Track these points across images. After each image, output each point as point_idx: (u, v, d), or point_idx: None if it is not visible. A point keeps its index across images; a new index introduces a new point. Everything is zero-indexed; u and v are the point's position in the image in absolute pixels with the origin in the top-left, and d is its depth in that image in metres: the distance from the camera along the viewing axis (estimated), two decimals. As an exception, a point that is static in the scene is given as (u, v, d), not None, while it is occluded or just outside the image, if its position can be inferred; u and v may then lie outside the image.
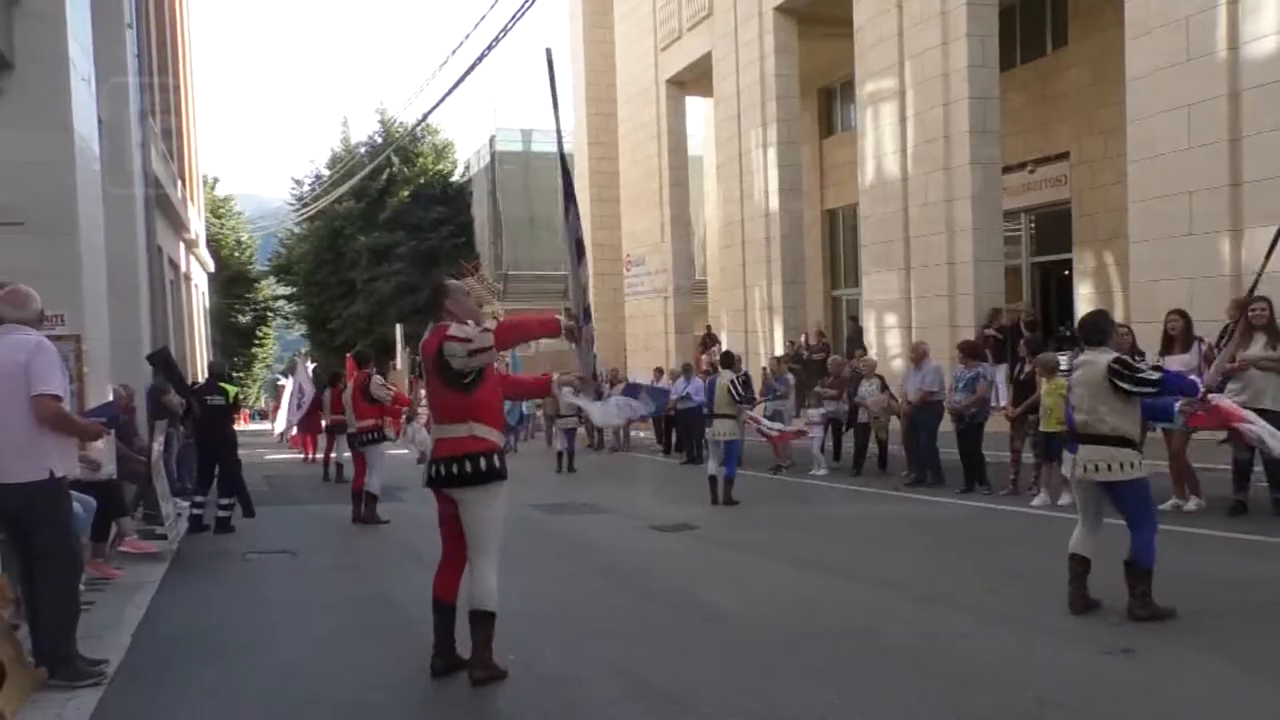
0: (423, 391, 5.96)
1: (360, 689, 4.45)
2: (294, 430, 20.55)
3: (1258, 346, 7.83)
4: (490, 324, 4.53)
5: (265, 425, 33.00)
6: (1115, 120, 14.81)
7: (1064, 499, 9.13)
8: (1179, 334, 8.39)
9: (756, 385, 14.26)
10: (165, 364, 10.38)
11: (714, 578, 6.76)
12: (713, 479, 10.37)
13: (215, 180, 46.41)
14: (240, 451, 10.43)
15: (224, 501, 9.70)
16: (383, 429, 10.55)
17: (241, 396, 14.20)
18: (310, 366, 20.89)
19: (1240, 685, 4.07)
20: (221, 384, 10.31)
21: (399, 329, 37.84)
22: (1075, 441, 5.33)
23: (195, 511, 9.76)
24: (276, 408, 24.88)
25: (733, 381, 10.41)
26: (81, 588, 6.34)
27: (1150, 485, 5.30)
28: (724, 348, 16.36)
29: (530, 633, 5.33)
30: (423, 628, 5.56)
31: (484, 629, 4.32)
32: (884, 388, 12.43)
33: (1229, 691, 4.01)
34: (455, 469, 4.23)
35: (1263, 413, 7.90)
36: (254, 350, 49.88)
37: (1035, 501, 9.25)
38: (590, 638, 5.17)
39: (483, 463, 4.22)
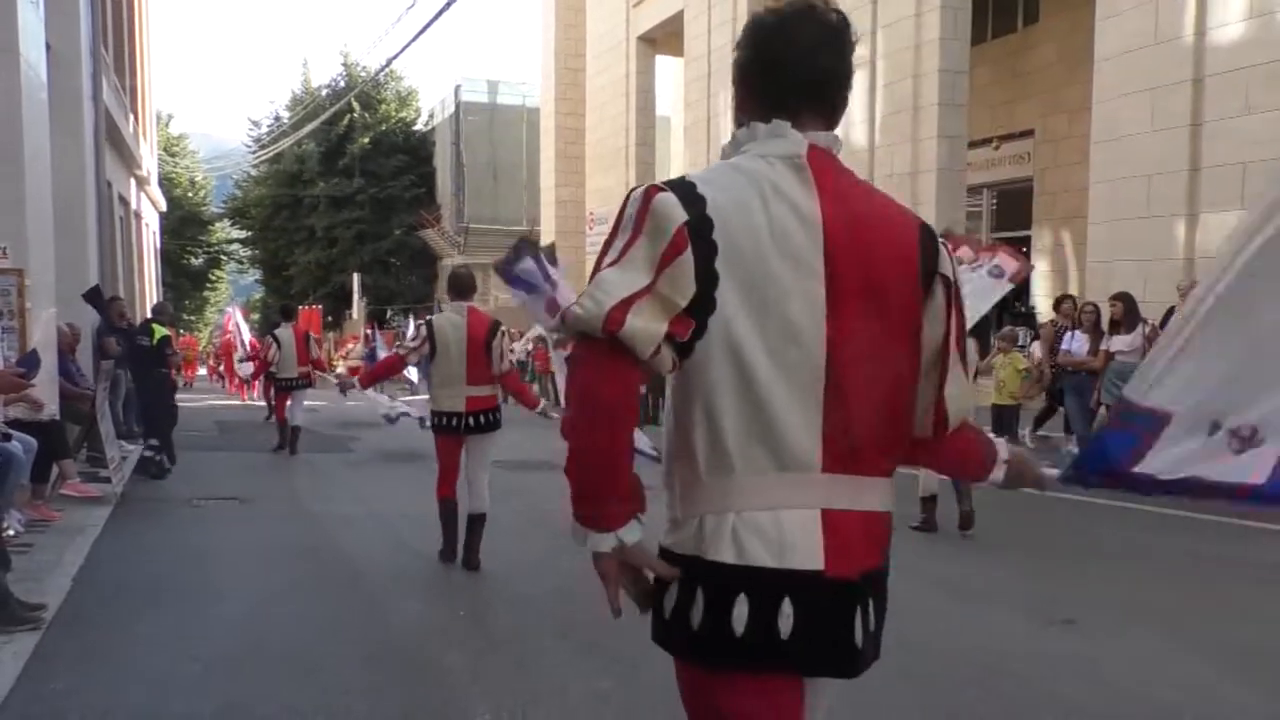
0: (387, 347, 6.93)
1: (306, 641, 4.41)
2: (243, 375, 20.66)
3: None
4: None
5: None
6: (1081, 100, 14.92)
7: (1012, 472, 9.31)
8: (1121, 316, 8.55)
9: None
10: (94, 302, 10.04)
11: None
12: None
13: (169, 117, 45.14)
14: (188, 399, 10.25)
15: (151, 442, 9.50)
16: (310, 376, 11.78)
17: (178, 339, 13.59)
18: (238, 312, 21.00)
19: (1175, 655, 4.18)
20: (153, 325, 9.86)
21: (356, 278, 37.32)
22: None
23: (147, 454, 9.59)
24: (226, 352, 24.71)
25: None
26: (19, 529, 6.23)
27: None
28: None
29: (483, 590, 5.32)
30: (370, 581, 5.53)
31: (480, 527, 5.75)
32: None
33: (1165, 661, 4.12)
34: (484, 419, 5.74)
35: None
36: (206, 294, 48.93)
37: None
38: (544, 597, 5.16)
39: (499, 414, 5.85)
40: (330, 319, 39.68)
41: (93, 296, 10.13)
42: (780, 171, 1.44)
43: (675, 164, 28.83)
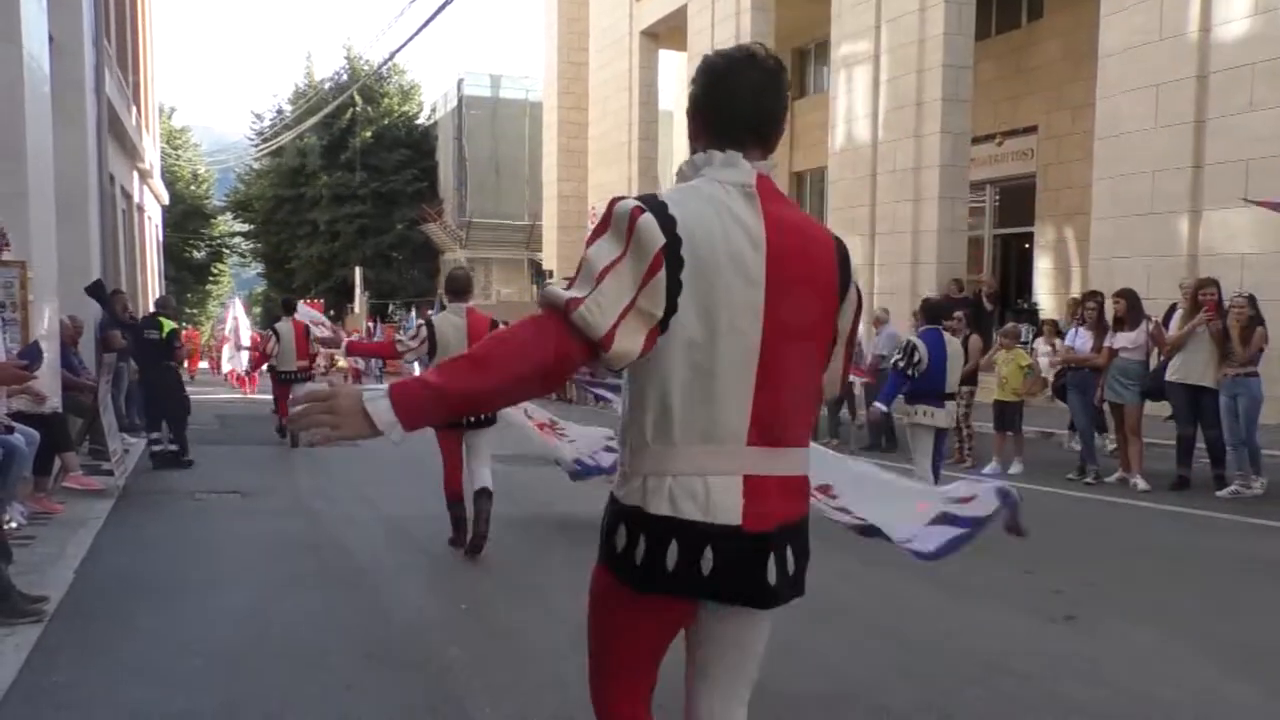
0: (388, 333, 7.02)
1: (307, 635, 4.41)
2: (237, 368, 21.47)
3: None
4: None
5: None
6: (1084, 96, 14.90)
7: (1015, 468, 9.30)
8: (1123, 314, 8.53)
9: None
10: (97, 296, 10.17)
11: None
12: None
13: (172, 110, 45.14)
14: (193, 392, 10.43)
15: (154, 435, 9.67)
16: (310, 370, 12.23)
17: (183, 332, 13.97)
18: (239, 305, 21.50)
19: (1176, 654, 4.18)
20: (160, 318, 9.92)
21: (358, 272, 37.30)
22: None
23: (154, 448, 9.68)
24: (221, 345, 25.06)
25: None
26: (21, 522, 6.24)
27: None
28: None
29: (484, 585, 5.33)
30: (373, 576, 5.54)
31: (488, 501, 5.92)
32: None
33: (1166, 660, 4.12)
34: (482, 415, 5.66)
35: (1198, 390, 8.14)
36: (208, 287, 48.93)
37: (987, 469, 9.40)
38: (545, 591, 5.17)
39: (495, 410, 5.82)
40: (332, 313, 39.67)
41: (95, 290, 10.17)
42: (734, 197, 1.73)
43: (677, 158, 28.78)
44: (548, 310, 1.64)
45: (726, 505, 1.71)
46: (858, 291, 1.92)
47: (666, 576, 1.71)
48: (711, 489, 1.70)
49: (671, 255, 1.63)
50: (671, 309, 1.65)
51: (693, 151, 1.83)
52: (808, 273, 1.77)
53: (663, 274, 1.63)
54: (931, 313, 7.15)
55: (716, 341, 1.68)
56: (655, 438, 1.72)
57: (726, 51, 1.82)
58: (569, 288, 1.67)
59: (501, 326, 5.79)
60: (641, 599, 1.77)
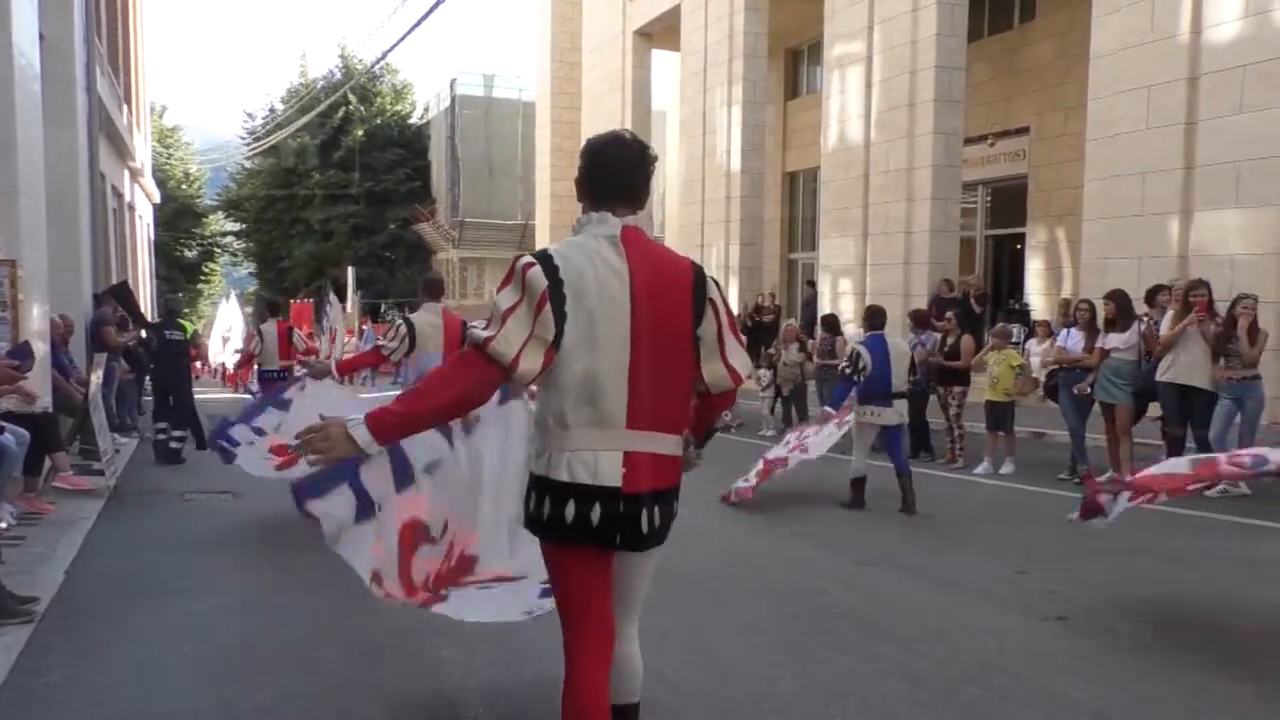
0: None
1: (300, 634, 4.40)
2: (226, 366, 21.86)
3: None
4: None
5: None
6: (1076, 97, 14.94)
7: (1006, 468, 9.33)
8: (1114, 315, 8.56)
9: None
10: (122, 297, 11.27)
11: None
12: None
13: (163, 108, 44.92)
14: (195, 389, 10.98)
15: (176, 433, 10.08)
16: (292, 369, 12.28)
17: (199, 335, 15.00)
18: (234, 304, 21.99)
19: (1168, 652, 4.20)
20: (180, 321, 10.83)
21: (351, 271, 37.19)
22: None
23: (159, 436, 10.07)
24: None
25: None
26: (11, 522, 6.21)
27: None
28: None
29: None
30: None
31: None
32: (802, 349, 12.68)
33: (1159, 658, 4.13)
34: None
35: (1189, 389, 8.17)
36: (200, 286, 48.73)
37: (979, 469, 9.43)
38: (536, 589, 5.15)
39: None
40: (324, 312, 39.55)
41: (120, 292, 10.76)
42: (604, 245, 2.30)
43: (671, 158, 28.77)
44: (472, 347, 2.24)
45: (610, 473, 2.26)
46: (713, 306, 2.40)
47: (567, 528, 2.27)
48: (599, 461, 2.26)
49: (555, 294, 2.20)
50: (560, 333, 2.21)
51: (582, 211, 2.41)
52: (664, 297, 2.31)
53: (549, 309, 2.20)
54: (874, 319, 7.73)
55: (597, 352, 2.24)
56: (557, 423, 2.28)
57: (601, 136, 2.43)
58: (485, 329, 2.23)
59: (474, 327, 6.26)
60: (562, 551, 2.34)
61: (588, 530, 2.27)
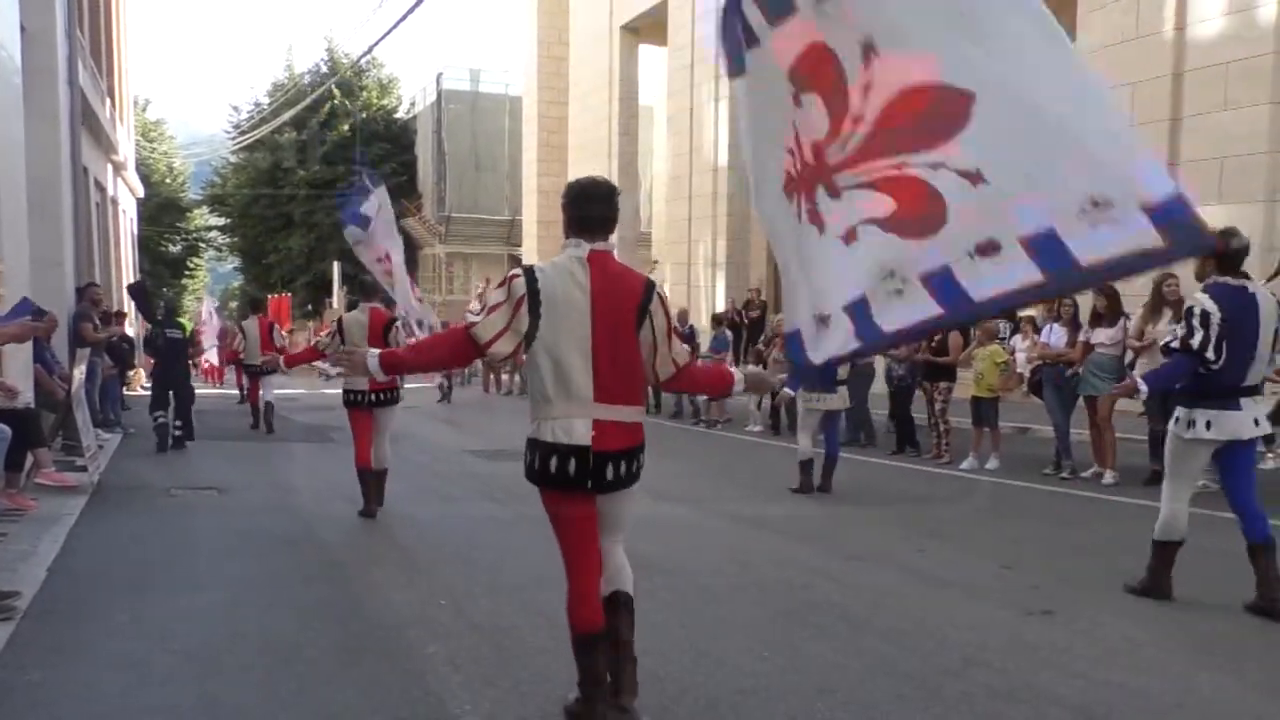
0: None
1: (285, 631, 4.37)
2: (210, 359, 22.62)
3: (1164, 322, 8.05)
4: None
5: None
6: (1062, 94, 14.98)
7: (991, 463, 9.37)
8: (1104, 309, 8.59)
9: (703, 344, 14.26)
10: (139, 295, 12.29)
11: (647, 530, 6.78)
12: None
13: (147, 102, 44.50)
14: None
15: (179, 423, 10.59)
16: (277, 363, 12.98)
17: (197, 333, 15.44)
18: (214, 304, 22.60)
19: (1152, 646, 4.23)
20: (179, 320, 11.60)
21: (337, 266, 36.96)
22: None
23: (160, 421, 10.40)
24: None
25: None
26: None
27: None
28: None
29: (463, 580, 5.31)
30: (349, 570, 5.51)
31: (383, 480, 7.19)
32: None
33: (1142, 652, 4.16)
34: (384, 396, 7.02)
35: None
36: (184, 281, 48.37)
37: (964, 465, 9.47)
38: (524, 586, 5.15)
39: (397, 392, 7.18)
40: (310, 307, 39.33)
41: (136, 290, 11.24)
42: (575, 264, 3.10)
43: (658, 154, 28.78)
44: (461, 327, 3.27)
45: (581, 435, 3.05)
46: (652, 315, 3.12)
47: (552, 476, 3.08)
48: (573, 426, 3.06)
49: (532, 299, 3.03)
50: (535, 329, 3.04)
51: (566, 236, 3.18)
52: (617, 302, 3.08)
53: (525, 310, 3.03)
54: None
55: (564, 345, 3.05)
56: (542, 398, 3.10)
57: (580, 180, 3.28)
58: (476, 315, 2.75)
59: (398, 324, 7.35)
60: (551, 495, 3.14)
61: (566, 478, 3.06)
